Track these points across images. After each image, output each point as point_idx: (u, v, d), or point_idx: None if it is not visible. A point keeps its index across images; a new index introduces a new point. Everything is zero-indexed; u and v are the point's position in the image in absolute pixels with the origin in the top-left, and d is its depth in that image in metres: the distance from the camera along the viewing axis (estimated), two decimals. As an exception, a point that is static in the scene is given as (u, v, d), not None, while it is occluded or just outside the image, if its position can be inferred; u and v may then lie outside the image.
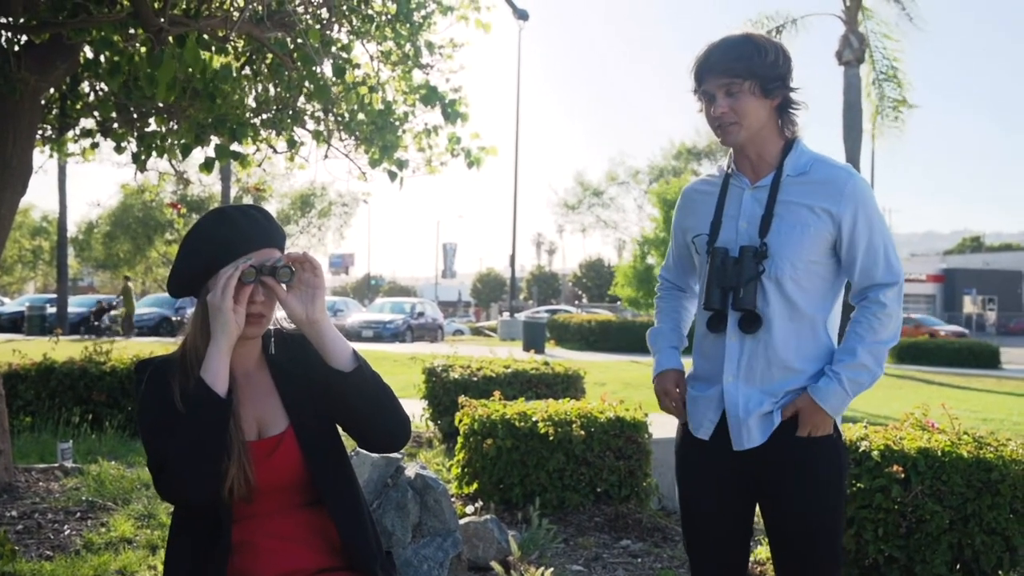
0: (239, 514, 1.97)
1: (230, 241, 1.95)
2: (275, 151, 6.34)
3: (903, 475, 3.88)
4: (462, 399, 5.72)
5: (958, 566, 3.90)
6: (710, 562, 2.60)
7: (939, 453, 3.93)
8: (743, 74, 2.37)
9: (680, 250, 2.72)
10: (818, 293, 2.45)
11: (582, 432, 5.06)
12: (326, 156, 6.20)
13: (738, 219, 2.48)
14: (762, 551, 4.36)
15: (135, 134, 5.96)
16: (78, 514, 4.89)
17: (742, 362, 2.44)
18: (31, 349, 8.72)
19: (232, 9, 5.01)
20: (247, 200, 40.29)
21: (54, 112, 5.86)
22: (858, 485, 3.95)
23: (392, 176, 6.05)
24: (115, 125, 5.91)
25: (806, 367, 2.43)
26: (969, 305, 52.92)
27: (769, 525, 2.53)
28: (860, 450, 4.06)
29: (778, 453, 2.42)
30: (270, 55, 5.16)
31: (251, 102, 5.87)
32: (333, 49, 5.42)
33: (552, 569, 3.88)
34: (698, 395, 2.55)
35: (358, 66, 5.87)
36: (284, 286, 1.93)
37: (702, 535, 2.60)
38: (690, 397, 2.58)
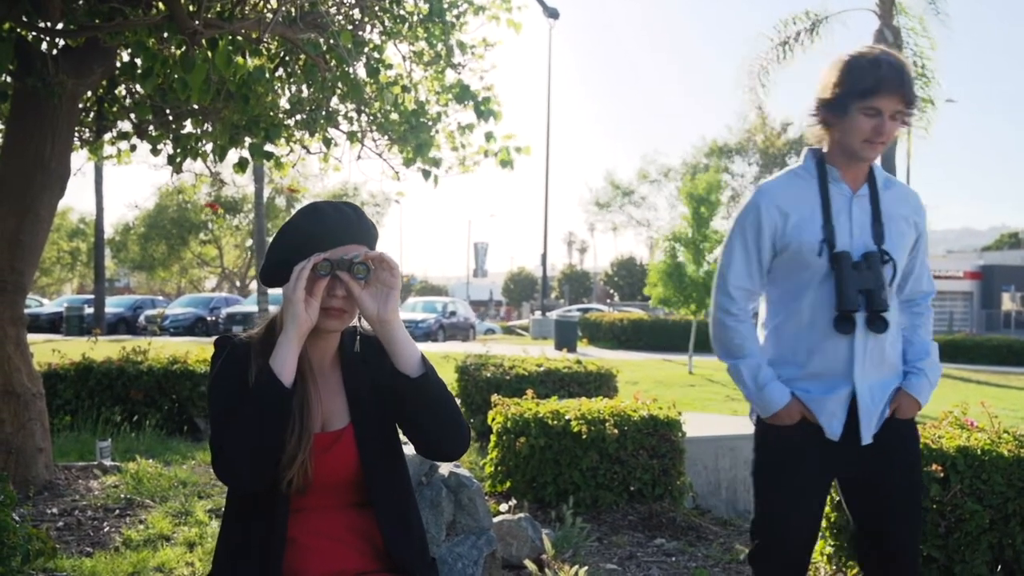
0: (289, 506, 1.98)
1: (316, 234, 1.97)
2: (308, 152, 6.39)
3: (942, 474, 3.83)
4: (495, 398, 5.73)
5: (999, 567, 3.84)
6: (789, 566, 2.70)
7: (979, 452, 3.87)
8: (912, 104, 2.55)
9: (762, 252, 2.69)
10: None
11: (615, 431, 5.04)
12: (359, 156, 6.23)
13: (850, 226, 2.61)
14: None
15: (171, 136, 6.03)
16: (117, 511, 4.96)
17: (866, 361, 2.61)
18: (70, 349, 8.86)
19: (265, 11, 5.05)
20: (279, 201, 40.64)
21: (91, 115, 5.94)
22: (896, 484, 3.91)
23: (426, 175, 6.06)
24: (151, 127, 5.98)
25: (899, 365, 2.70)
26: (1007, 302, 52.05)
27: (870, 509, 2.68)
28: (898, 449, 4.01)
29: (883, 437, 2.64)
30: (303, 56, 5.19)
31: (284, 103, 5.91)
32: (366, 50, 5.45)
33: (586, 568, 3.86)
34: (823, 396, 2.62)
35: (391, 66, 5.89)
36: (361, 283, 1.94)
37: (790, 537, 2.68)
38: (812, 399, 2.64)
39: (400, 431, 2.09)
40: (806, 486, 2.66)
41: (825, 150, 2.69)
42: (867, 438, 2.61)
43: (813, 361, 2.63)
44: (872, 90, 2.50)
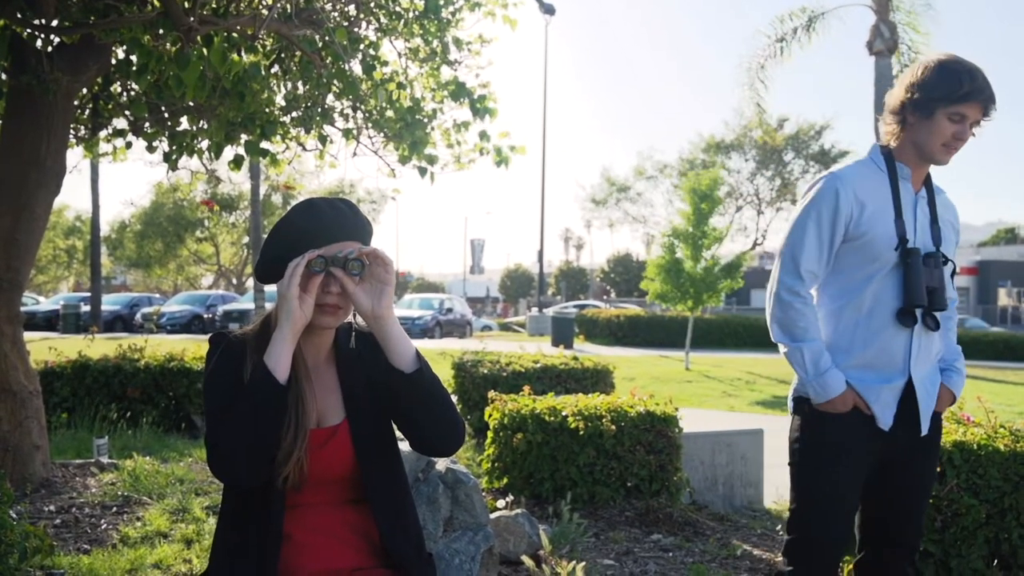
0: (285, 503, 1.98)
1: (311, 230, 1.98)
2: (304, 149, 6.38)
3: (939, 469, 3.84)
4: (492, 394, 5.73)
5: (995, 561, 3.85)
6: (828, 562, 2.72)
7: (975, 447, 3.88)
8: (989, 115, 2.61)
9: (835, 237, 2.69)
10: None
11: (612, 426, 5.05)
12: (355, 154, 6.23)
13: (915, 225, 2.69)
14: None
15: (167, 133, 6.02)
16: (114, 509, 4.96)
17: (920, 355, 2.68)
18: (66, 347, 8.85)
19: (261, 7, 5.04)
20: (276, 198, 40.57)
21: (87, 112, 5.93)
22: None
23: (422, 172, 6.06)
24: (147, 125, 5.97)
25: (937, 361, 2.78)
26: (1004, 298, 52.17)
27: (891, 493, 2.75)
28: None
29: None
30: (299, 53, 5.19)
31: (280, 100, 5.90)
32: (361, 46, 5.44)
33: (583, 563, 3.86)
34: (879, 386, 2.67)
35: (386, 63, 5.88)
36: (355, 279, 1.94)
37: (833, 531, 2.71)
38: (867, 387, 2.68)
39: (395, 427, 2.09)
40: (851, 478, 2.68)
41: (893, 147, 2.72)
42: (925, 429, 2.69)
43: (868, 351, 2.66)
44: (966, 97, 2.56)
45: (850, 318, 2.69)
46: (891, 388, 2.66)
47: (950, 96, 2.56)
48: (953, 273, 2.77)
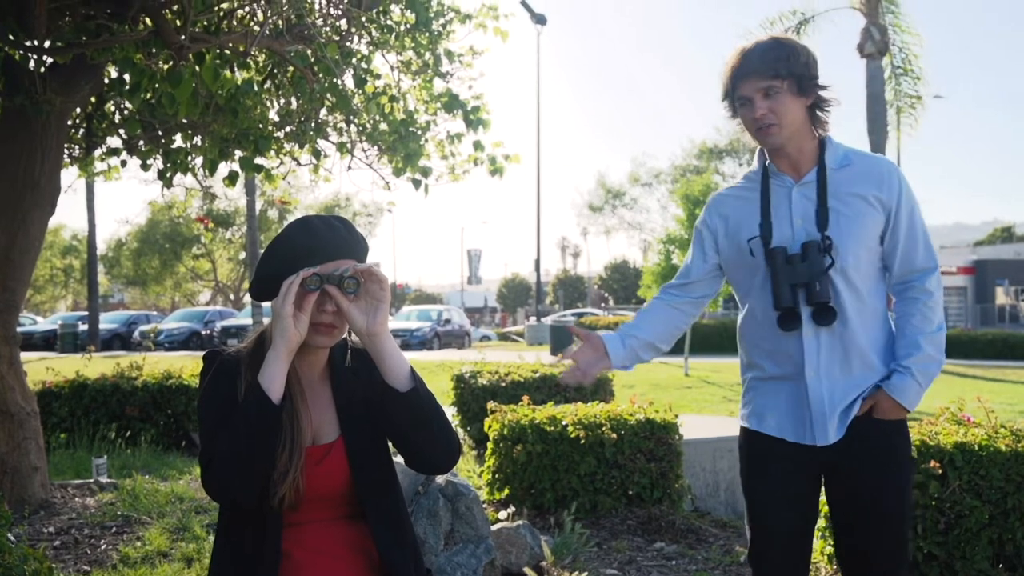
0: (282, 521, 1.97)
1: (307, 248, 1.97)
2: (299, 164, 6.38)
3: (940, 471, 3.83)
4: (491, 405, 5.71)
5: (999, 563, 3.84)
6: (785, 565, 2.61)
7: (976, 447, 3.87)
8: (782, 74, 2.44)
9: (707, 258, 2.71)
10: (874, 281, 2.53)
11: (613, 435, 5.04)
12: (349, 167, 6.23)
13: (791, 217, 2.53)
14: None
15: (161, 151, 6.02)
16: (114, 529, 4.94)
17: (821, 357, 2.48)
18: (64, 366, 8.83)
19: (252, 24, 5.04)
20: (271, 213, 40.60)
21: (81, 132, 5.93)
22: (894, 482, 3.90)
23: (416, 184, 6.06)
24: (141, 143, 5.97)
25: (882, 356, 2.51)
26: (1002, 296, 52.17)
27: (842, 509, 2.56)
28: (895, 446, 4.01)
29: (857, 435, 2.47)
30: (291, 68, 5.19)
31: (273, 115, 5.90)
32: (353, 60, 5.45)
33: (586, 573, 3.86)
34: (795, 406, 2.54)
35: (379, 76, 5.89)
36: (349, 296, 1.94)
37: (778, 538, 2.60)
38: (779, 408, 2.57)
39: (390, 443, 2.08)
40: (780, 488, 2.59)
41: None
42: (822, 439, 2.47)
43: (772, 363, 2.57)
44: (733, 84, 2.52)
45: (751, 333, 2.64)
46: (799, 399, 2.51)
47: (725, 90, 2.55)
48: (831, 258, 2.45)
